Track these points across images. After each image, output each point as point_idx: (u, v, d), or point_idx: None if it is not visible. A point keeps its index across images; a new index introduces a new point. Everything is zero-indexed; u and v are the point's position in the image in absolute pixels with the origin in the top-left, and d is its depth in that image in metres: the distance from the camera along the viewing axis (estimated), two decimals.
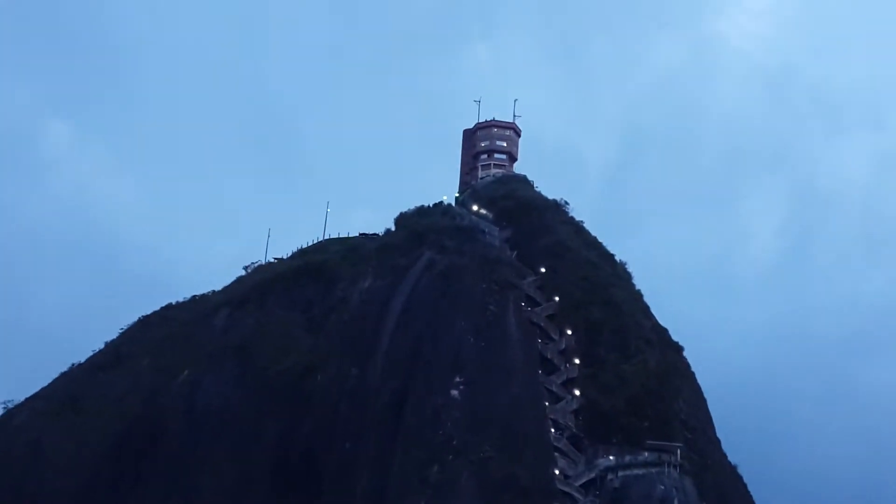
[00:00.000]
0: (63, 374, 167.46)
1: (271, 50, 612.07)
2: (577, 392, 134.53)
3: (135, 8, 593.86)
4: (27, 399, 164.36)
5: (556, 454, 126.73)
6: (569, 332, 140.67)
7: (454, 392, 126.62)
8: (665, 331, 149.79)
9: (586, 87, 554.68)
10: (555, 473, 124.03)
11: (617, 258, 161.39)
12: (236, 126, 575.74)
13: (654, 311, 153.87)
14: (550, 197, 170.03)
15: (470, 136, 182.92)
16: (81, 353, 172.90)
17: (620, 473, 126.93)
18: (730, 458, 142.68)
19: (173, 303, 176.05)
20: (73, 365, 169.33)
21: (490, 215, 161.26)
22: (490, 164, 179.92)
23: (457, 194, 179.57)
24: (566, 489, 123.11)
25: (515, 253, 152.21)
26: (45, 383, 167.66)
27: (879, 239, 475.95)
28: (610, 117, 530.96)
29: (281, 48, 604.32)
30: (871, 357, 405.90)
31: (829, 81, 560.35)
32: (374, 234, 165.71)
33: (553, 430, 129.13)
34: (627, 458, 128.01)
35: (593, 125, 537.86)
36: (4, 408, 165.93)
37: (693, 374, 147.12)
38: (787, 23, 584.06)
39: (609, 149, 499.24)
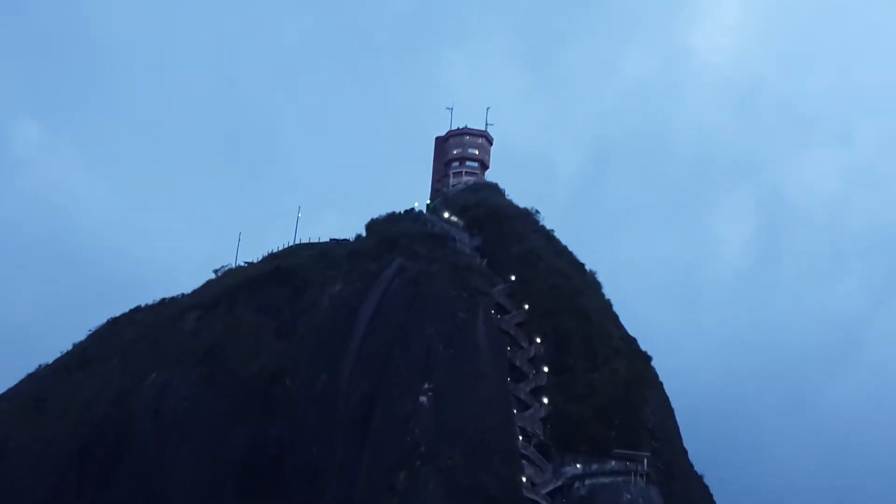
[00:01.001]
0: (30, 375, 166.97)
1: (244, 53, 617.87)
2: (545, 400, 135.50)
3: (108, 9, 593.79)
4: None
5: (523, 462, 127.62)
6: (538, 340, 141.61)
7: (422, 398, 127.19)
8: (634, 340, 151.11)
9: (558, 97, 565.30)
10: (522, 481, 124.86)
11: (587, 267, 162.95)
12: (208, 129, 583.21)
13: (622, 320, 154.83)
14: (521, 205, 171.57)
15: (442, 143, 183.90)
16: (49, 353, 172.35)
17: (587, 482, 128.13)
18: (696, 467, 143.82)
19: (142, 305, 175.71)
20: (40, 366, 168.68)
21: (461, 223, 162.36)
22: (462, 171, 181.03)
23: (428, 201, 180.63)
24: (533, 497, 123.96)
25: (486, 260, 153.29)
26: (12, 384, 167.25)
27: (846, 251, 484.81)
28: (581, 126, 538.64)
29: (254, 52, 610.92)
30: (837, 368, 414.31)
31: (797, 95, 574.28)
32: (345, 240, 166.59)
33: (521, 437, 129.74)
34: (594, 467, 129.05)
35: (564, 134, 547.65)
36: None
37: (661, 383, 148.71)
38: (756, 36, 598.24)
39: (579, 158, 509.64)
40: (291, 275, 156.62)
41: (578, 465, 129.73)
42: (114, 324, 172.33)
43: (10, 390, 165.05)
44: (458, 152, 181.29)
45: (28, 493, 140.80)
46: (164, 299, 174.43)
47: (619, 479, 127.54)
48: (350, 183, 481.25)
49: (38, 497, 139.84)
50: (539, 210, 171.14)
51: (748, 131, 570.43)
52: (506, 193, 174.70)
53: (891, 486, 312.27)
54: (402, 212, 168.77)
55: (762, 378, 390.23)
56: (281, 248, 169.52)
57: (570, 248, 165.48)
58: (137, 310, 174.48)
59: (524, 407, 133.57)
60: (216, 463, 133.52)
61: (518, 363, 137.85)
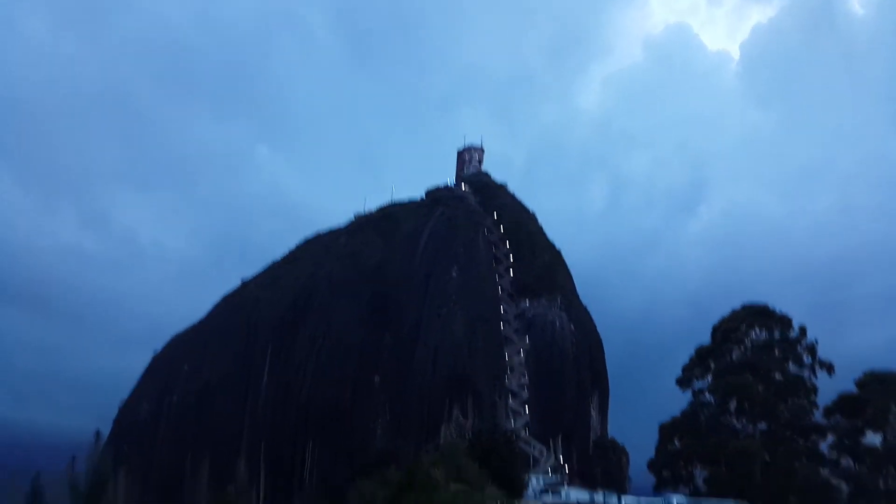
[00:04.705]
0: (268, 266, 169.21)
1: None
2: (511, 272, 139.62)
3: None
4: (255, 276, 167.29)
5: (502, 301, 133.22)
6: (507, 244, 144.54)
7: (454, 273, 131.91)
8: (553, 245, 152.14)
9: (512, 132, 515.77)
10: (502, 313, 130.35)
11: (530, 210, 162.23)
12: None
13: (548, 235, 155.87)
14: (498, 180, 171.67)
15: (461, 152, 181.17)
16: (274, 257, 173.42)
17: (533, 312, 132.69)
18: (583, 301, 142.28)
19: (322, 231, 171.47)
20: (272, 262, 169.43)
21: (470, 190, 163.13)
22: (471, 165, 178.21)
23: (454, 180, 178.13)
24: (509, 330, 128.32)
25: (482, 207, 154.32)
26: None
27: None
28: (520, 145, 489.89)
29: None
30: None
31: None
32: (414, 200, 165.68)
33: (500, 289, 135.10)
34: (536, 302, 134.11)
35: (515, 145, 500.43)
36: (242, 281, 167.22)
37: (566, 262, 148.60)
38: None
39: (524, 156, 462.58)
40: (392, 217, 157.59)
41: (528, 303, 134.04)
42: (305, 241, 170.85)
43: (260, 275, 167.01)
44: (468, 157, 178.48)
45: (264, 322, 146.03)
46: (330, 229, 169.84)
47: (548, 308, 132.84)
48: (417, 172, 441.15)
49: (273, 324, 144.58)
50: (507, 182, 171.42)
51: None
52: (491, 175, 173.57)
53: None
54: (442, 186, 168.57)
55: None
56: (386, 204, 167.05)
57: (522, 200, 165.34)
58: (318, 235, 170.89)
59: (500, 276, 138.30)
60: (356, 306, 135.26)
61: (498, 255, 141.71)
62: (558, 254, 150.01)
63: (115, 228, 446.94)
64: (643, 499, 76.13)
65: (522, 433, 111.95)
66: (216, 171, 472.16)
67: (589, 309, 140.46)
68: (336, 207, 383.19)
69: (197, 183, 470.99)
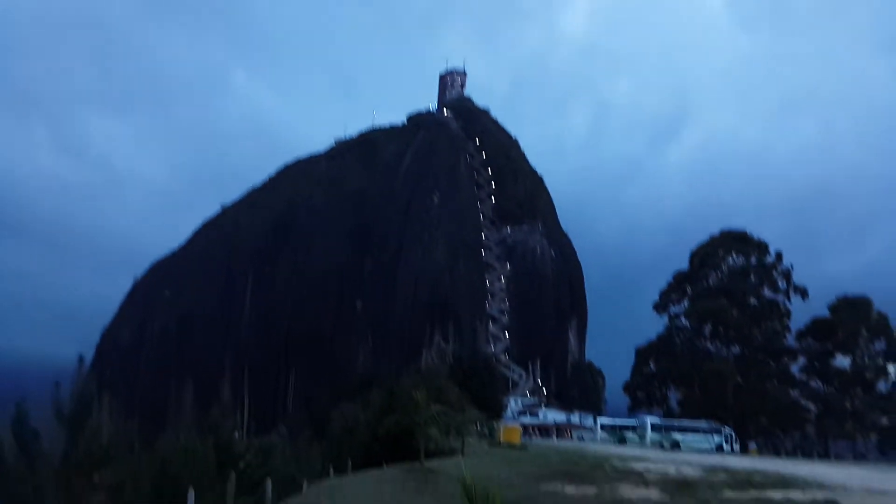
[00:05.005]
0: (248, 192, 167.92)
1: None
2: (493, 198, 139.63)
3: None
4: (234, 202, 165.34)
5: (483, 227, 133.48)
6: (489, 170, 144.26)
7: (435, 198, 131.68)
8: (535, 171, 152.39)
9: (495, 56, 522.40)
10: (483, 238, 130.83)
11: (513, 136, 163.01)
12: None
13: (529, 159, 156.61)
14: (481, 105, 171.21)
15: (443, 77, 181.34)
16: (253, 182, 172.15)
17: (513, 238, 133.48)
18: (564, 229, 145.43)
19: (302, 156, 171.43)
20: (251, 188, 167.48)
21: (452, 115, 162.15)
22: (452, 89, 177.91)
23: (436, 105, 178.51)
24: (489, 251, 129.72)
25: (464, 133, 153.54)
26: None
27: None
28: (503, 71, 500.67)
29: None
30: None
31: None
32: (396, 125, 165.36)
33: (482, 215, 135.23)
34: (517, 228, 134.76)
35: (498, 70, 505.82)
36: (222, 207, 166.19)
37: (548, 190, 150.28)
38: None
39: (506, 82, 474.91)
40: (372, 142, 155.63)
41: (509, 229, 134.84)
42: (286, 167, 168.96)
43: (239, 200, 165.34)
44: (450, 81, 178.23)
45: (245, 247, 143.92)
46: (310, 155, 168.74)
47: (529, 234, 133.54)
48: (400, 95, 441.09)
49: (253, 249, 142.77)
50: (489, 107, 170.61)
51: None
52: (473, 100, 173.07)
53: None
54: (424, 111, 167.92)
55: None
56: (367, 129, 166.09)
57: (504, 125, 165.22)
58: (298, 160, 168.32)
59: (481, 202, 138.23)
60: (337, 230, 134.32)
61: (479, 180, 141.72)
62: (540, 180, 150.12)
63: (90, 154, 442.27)
64: (618, 419, 78.36)
65: (502, 357, 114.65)
66: (192, 95, 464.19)
67: (570, 235, 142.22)
68: (315, 132, 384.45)
69: (173, 107, 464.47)
